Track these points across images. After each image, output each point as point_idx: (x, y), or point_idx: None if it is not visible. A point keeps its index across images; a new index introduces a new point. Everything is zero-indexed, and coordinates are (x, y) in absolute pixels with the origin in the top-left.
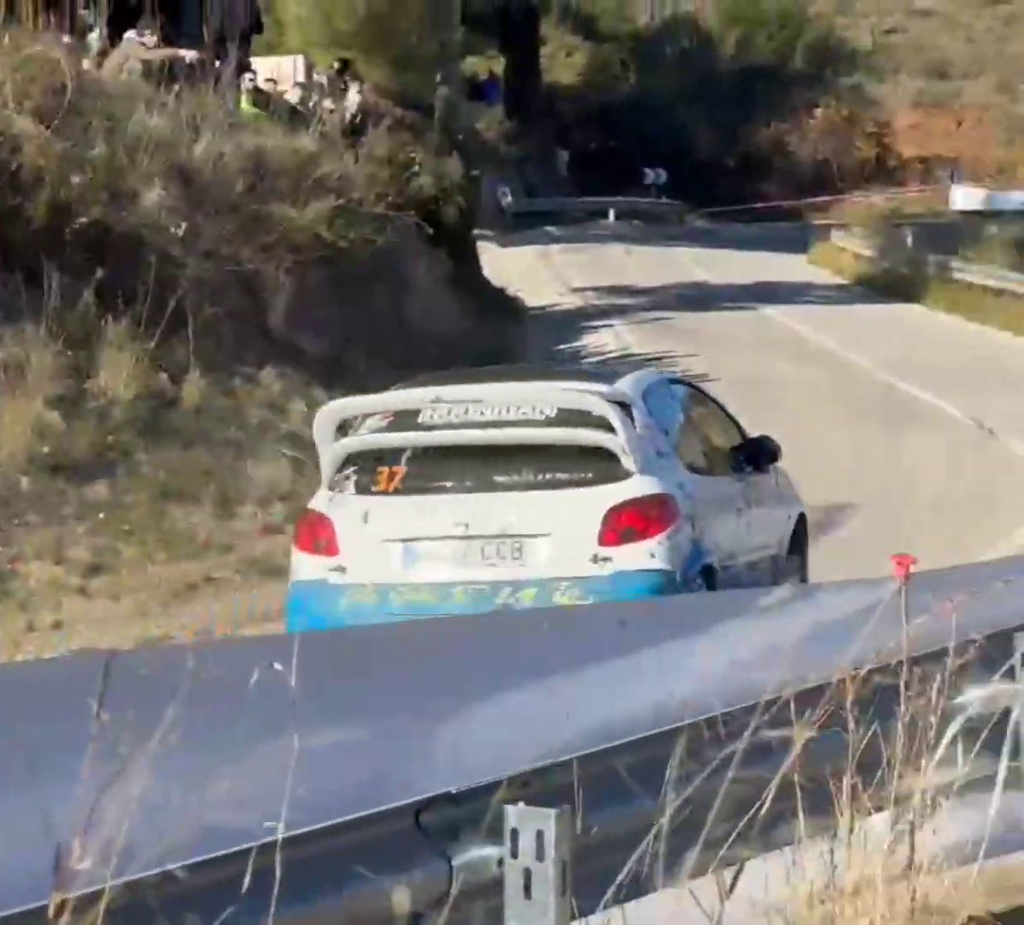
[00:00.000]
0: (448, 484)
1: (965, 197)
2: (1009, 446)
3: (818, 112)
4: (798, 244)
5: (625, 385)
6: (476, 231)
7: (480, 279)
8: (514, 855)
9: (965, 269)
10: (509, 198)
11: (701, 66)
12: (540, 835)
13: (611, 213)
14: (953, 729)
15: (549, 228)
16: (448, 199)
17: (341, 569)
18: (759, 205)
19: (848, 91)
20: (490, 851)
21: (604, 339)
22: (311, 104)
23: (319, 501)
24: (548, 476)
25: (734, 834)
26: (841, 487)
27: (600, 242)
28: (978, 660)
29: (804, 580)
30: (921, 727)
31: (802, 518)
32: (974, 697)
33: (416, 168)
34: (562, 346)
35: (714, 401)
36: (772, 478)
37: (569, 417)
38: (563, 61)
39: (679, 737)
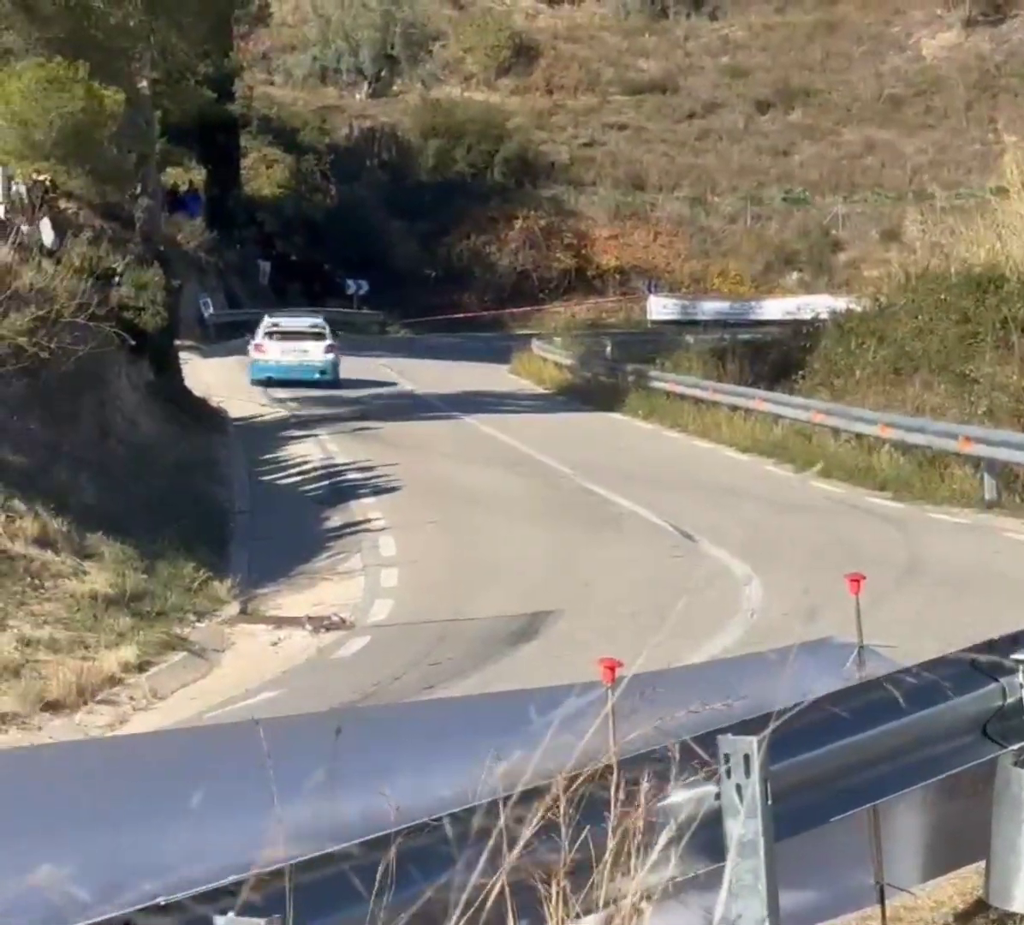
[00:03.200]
0: (293, 337)
1: (661, 307)
2: (708, 550)
3: (517, 223)
4: (500, 354)
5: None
6: (178, 341)
7: (183, 389)
8: None
9: (662, 378)
10: (211, 308)
11: (401, 178)
12: None
13: None
14: (666, 835)
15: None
16: (149, 309)
17: (268, 356)
18: (460, 315)
19: (547, 202)
20: None
21: (308, 449)
22: (8, 216)
23: (261, 340)
24: (313, 336)
25: None
26: (541, 593)
27: None
28: (687, 762)
29: None
30: (629, 830)
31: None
32: (683, 799)
33: (117, 278)
34: (266, 455)
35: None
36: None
37: (315, 324)
38: (264, 172)
39: (394, 843)
